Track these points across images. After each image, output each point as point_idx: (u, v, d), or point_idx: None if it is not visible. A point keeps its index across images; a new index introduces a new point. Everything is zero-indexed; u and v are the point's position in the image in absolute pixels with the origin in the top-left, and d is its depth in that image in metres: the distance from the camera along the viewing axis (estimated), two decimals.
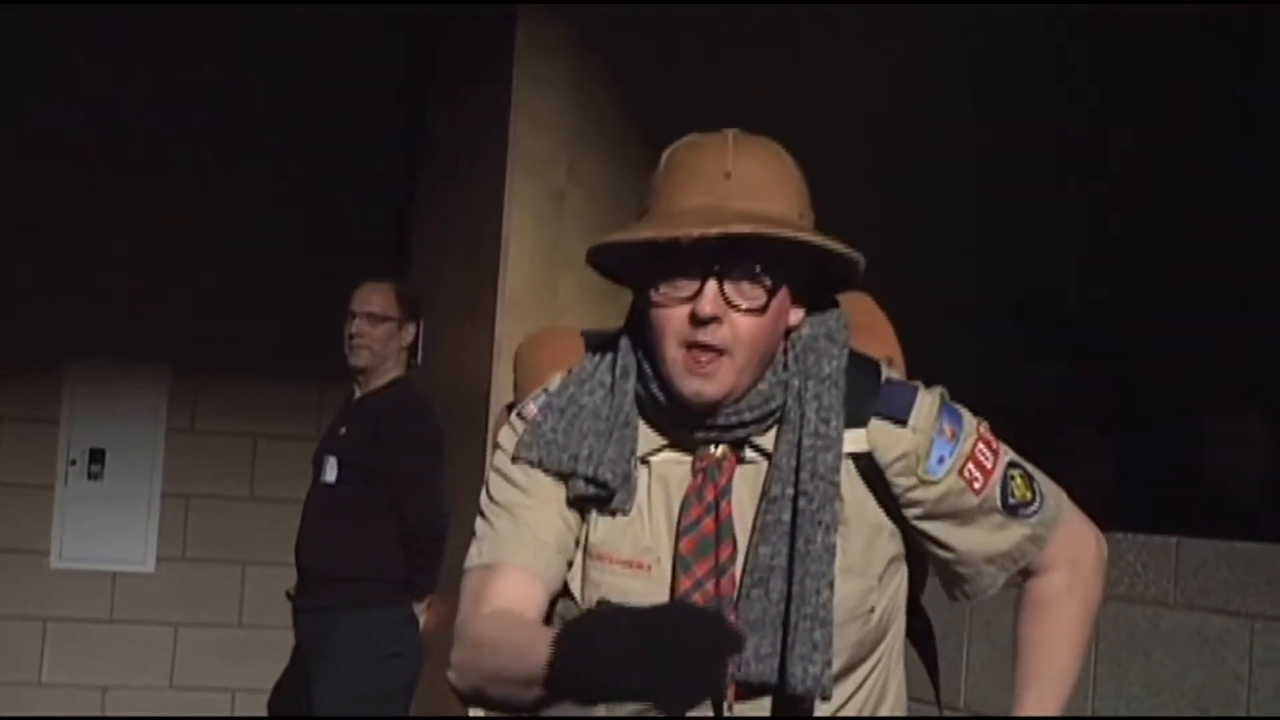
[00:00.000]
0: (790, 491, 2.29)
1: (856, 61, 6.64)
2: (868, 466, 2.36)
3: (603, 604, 2.32)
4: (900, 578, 2.44)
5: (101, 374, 7.76)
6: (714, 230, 2.21)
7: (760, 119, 2.56)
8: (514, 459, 2.38)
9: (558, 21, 6.62)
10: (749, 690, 2.30)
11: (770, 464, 2.33)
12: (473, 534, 2.40)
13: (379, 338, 5.78)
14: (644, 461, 2.37)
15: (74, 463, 7.79)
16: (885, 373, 2.42)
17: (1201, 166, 6.90)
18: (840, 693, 2.34)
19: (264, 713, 6.44)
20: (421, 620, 5.63)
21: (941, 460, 2.37)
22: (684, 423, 2.34)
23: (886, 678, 2.44)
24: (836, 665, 2.29)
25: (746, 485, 2.34)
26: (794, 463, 2.30)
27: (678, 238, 2.23)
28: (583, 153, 6.57)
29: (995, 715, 4.18)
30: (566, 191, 6.54)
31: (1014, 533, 2.42)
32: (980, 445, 2.41)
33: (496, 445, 2.46)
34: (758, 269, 2.27)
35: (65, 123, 7.53)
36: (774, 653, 2.27)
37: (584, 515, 2.35)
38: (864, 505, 2.35)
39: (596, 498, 2.32)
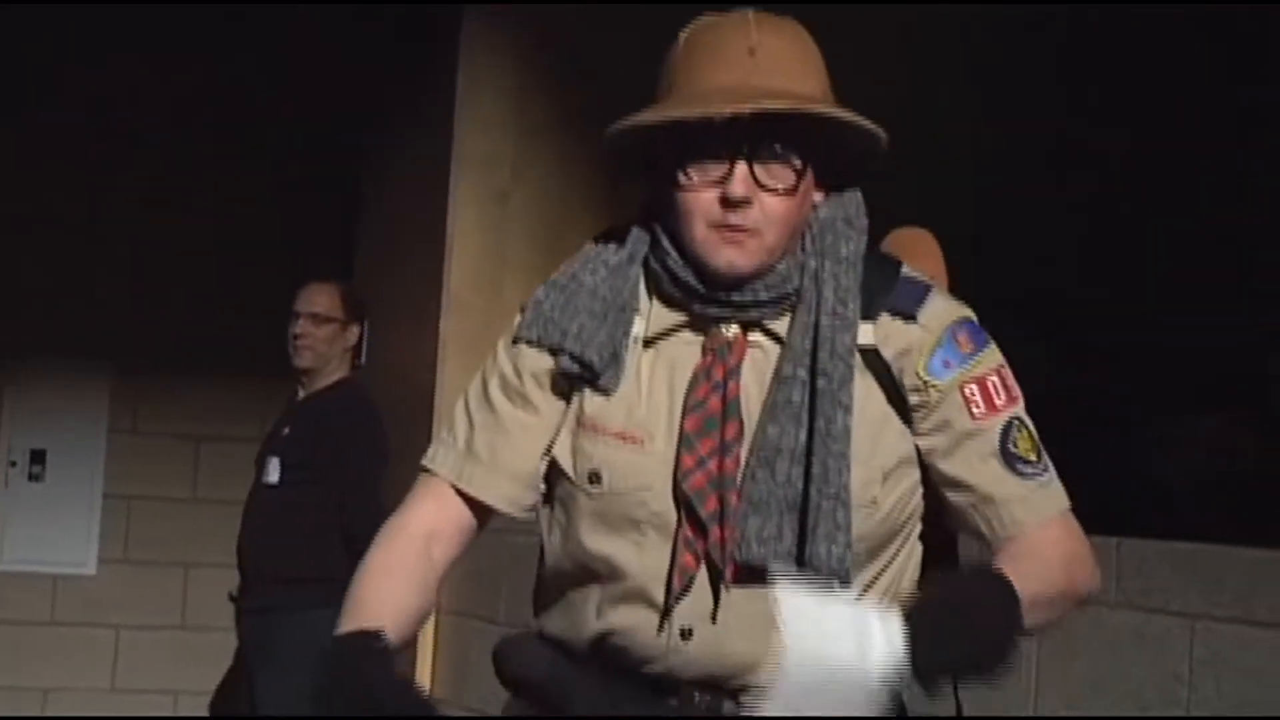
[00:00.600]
0: (803, 373, 2.25)
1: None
2: (874, 361, 2.29)
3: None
4: (912, 483, 2.33)
5: (43, 374, 7.70)
6: (747, 107, 2.17)
7: None
8: (515, 340, 2.37)
9: (503, 21, 6.62)
10: (748, 576, 2.23)
11: (784, 345, 2.28)
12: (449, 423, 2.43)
13: (323, 338, 5.77)
14: (650, 343, 2.33)
15: (14, 464, 7.73)
16: (906, 270, 2.36)
17: (1157, 173, 6.91)
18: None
19: (206, 715, 6.41)
20: None
21: (947, 365, 2.29)
22: (700, 298, 2.29)
23: (896, 591, 2.32)
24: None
25: (755, 370, 2.29)
26: (809, 344, 2.25)
27: (710, 116, 2.18)
28: (527, 153, 6.57)
29: (996, 715, 4.17)
30: (511, 191, 6.54)
31: (1008, 485, 2.29)
32: (995, 378, 2.31)
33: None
34: (786, 149, 2.23)
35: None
36: (778, 535, 2.22)
37: (576, 390, 2.32)
38: (869, 396, 2.28)
39: (581, 376, 2.29)
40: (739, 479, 2.24)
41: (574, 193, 6.36)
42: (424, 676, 5.93)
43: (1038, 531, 2.28)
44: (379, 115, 7.50)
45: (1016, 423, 2.30)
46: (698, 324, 2.32)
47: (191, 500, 7.76)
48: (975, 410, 2.28)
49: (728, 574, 2.23)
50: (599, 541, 2.30)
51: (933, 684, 2.05)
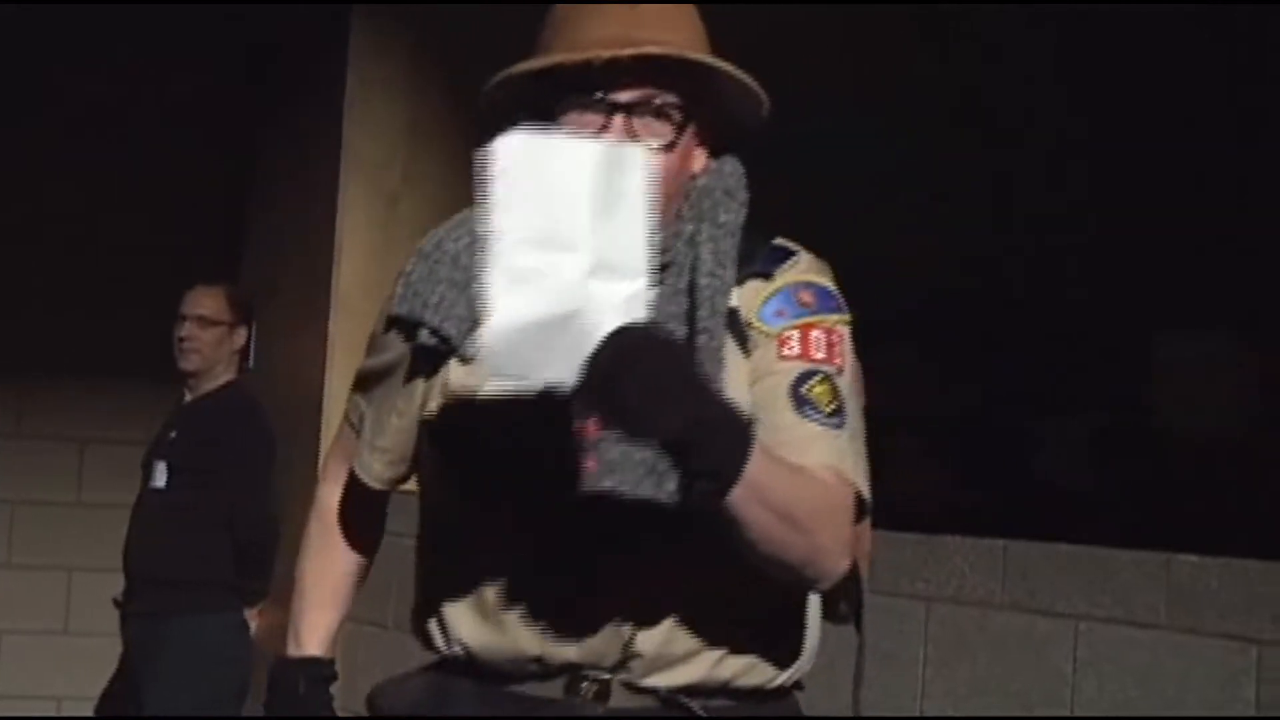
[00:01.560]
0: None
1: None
2: (734, 323, 2.20)
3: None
4: None
5: None
6: (626, 51, 2.10)
7: None
8: (387, 317, 2.36)
9: (392, 23, 6.59)
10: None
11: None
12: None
13: (209, 341, 5.73)
14: None
15: None
16: (779, 241, 2.30)
17: (1043, 171, 6.96)
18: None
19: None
20: (253, 626, 5.58)
21: (779, 314, 2.21)
22: None
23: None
24: None
25: None
26: (675, 308, 2.15)
27: (588, 60, 2.11)
28: (417, 155, 6.55)
29: (888, 716, 4.20)
30: (400, 194, 6.52)
31: (789, 423, 2.14)
32: (821, 333, 2.21)
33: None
34: (665, 103, 2.15)
35: None
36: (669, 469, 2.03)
37: (442, 361, 2.25)
38: (734, 361, 2.18)
39: (438, 350, 2.24)
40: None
41: (465, 196, 6.27)
42: None
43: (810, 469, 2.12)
44: (268, 117, 7.45)
45: (821, 375, 2.18)
46: None
47: (76, 504, 7.66)
48: (785, 350, 2.19)
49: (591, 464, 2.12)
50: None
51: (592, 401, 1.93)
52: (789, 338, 2.19)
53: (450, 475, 2.27)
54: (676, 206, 2.21)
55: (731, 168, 2.29)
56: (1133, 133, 6.35)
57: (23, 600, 7.60)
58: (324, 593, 2.49)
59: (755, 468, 1.96)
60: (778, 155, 2.57)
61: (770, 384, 2.18)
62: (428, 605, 2.30)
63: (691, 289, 2.18)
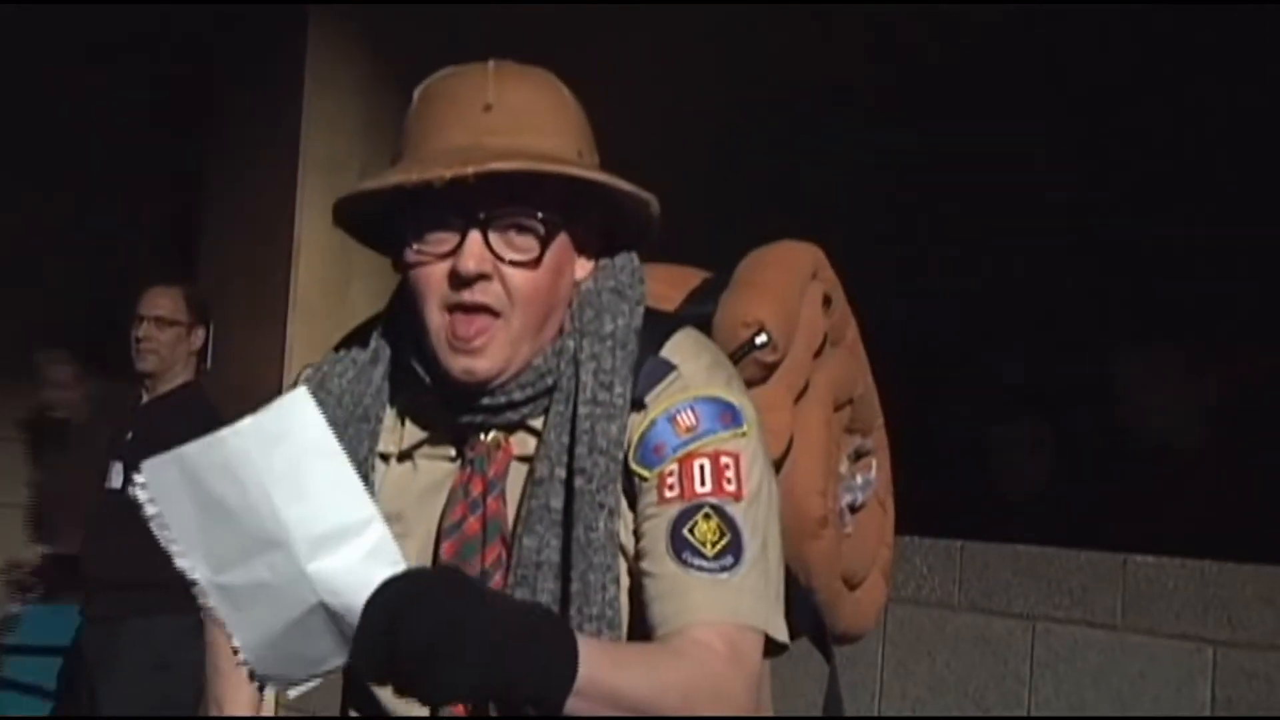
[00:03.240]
0: (561, 472, 1.94)
1: (655, 60, 6.69)
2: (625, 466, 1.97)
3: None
4: None
5: None
6: (469, 170, 1.86)
7: None
8: None
9: (349, 23, 6.59)
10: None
11: (540, 443, 1.97)
12: None
13: (166, 342, 5.71)
14: (405, 457, 2.04)
15: None
16: (669, 347, 2.01)
17: (987, 185, 7.00)
18: None
19: None
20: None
21: (657, 452, 1.94)
22: (449, 405, 1.99)
23: None
24: None
25: (520, 480, 2.00)
26: (566, 438, 1.94)
27: (429, 181, 1.87)
28: (375, 155, 6.54)
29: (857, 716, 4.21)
30: None
31: (668, 574, 1.89)
32: (707, 461, 1.94)
33: None
34: (528, 215, 1.93)
35: None
36: None
37: None
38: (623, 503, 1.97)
39: None
40: None
41: None
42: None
43: (692, 631, 1.87)
44: (225, 115, 7.42)
45: (708, 509, 1.91)
46: (456, 431, 2.02)
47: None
48: (667, 492, 1.92)
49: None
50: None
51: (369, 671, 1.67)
52: (668, 475, 1.93)
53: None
54: (560, 321, 2.00)
55: (624, 261, 2.06)
56: (1090, 145, 6.41)
57: None
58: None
59: (593, 674, 1.69)
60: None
61: (649, 529, 1.93)
62: None
63: (573, 419, 1.95)
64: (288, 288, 6.41)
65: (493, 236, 1.92)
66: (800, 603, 2.18)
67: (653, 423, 1.95)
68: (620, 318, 1.99)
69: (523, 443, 2.00)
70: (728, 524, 1.91)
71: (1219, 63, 5.99)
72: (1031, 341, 6.37)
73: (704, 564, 1.89)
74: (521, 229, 1.93)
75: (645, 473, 1.93)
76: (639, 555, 1.93)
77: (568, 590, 1.91)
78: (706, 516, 1.91)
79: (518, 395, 1.97)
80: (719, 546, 1.90)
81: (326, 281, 6.35)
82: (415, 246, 1.95)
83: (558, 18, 6.43)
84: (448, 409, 1.99)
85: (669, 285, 2.23)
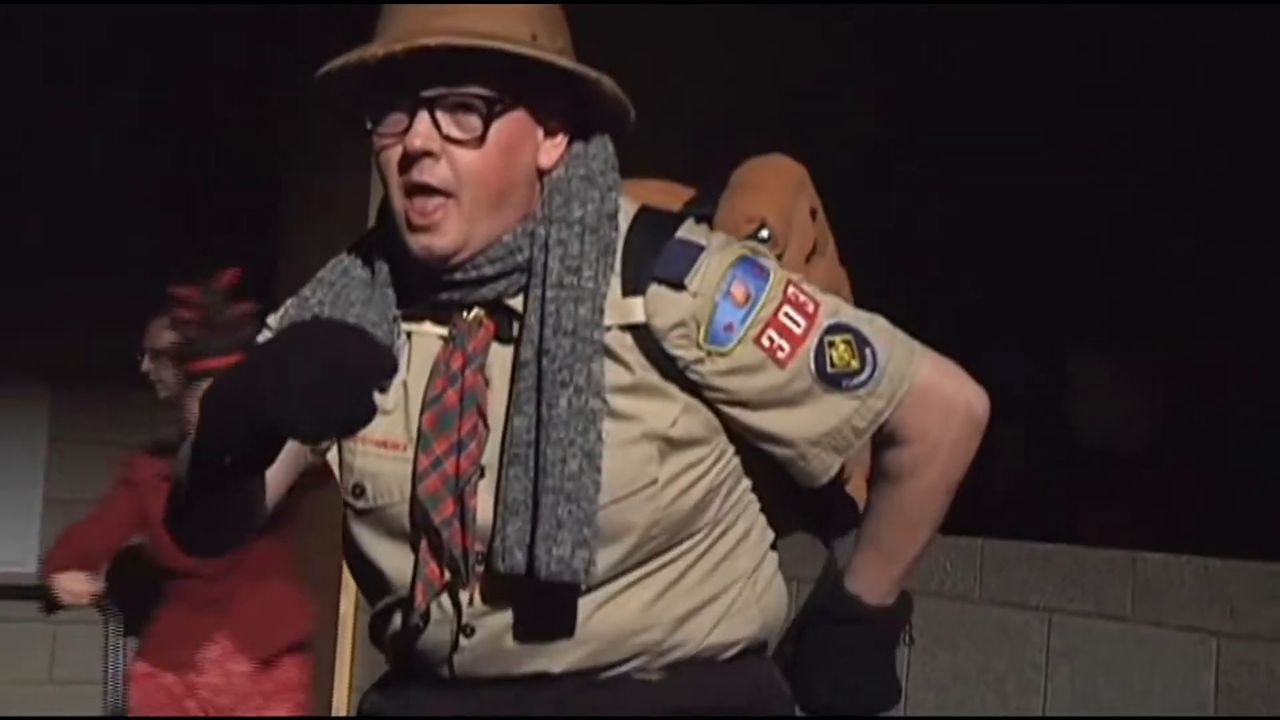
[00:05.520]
0: (532, 354, 1.98)
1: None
2: (645, 337, 2.00)
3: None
4: (705, 456, 2.05)
5: None
6: (398, 47, 1.90)
7: None
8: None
9: None
10: (507, 584, 1.97)
11: (522, 326, 2.01)
12: None
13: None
14: (406, 334, 2.08)
15: None
16: (684, 231, 2.05)
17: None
18: (625, 583, 2.02)
19: None
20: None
21: (729, 329, 1.98)
22: (430, 285, 2.03)
23: (712, 579, 2.08)
24: (620, 550, 1.99)
25: (504, 356, 2.04)
26: (537, 321, 1.98)
27: (364, 59, 1.93)
28: None
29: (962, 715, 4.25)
30: None
31: (840, 407, 2.02)
32: (786, 308, 2.01)
33: (264, 326, 2.17)
34: (470, 94, 1.95)
35: None
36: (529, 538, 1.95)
37: None
38: (642, 372, 2.01)
39: None
40: (474, 479, 2.00)
41: None
42: (344, 666, 6.05)
43: (898, 414, 2.04)
44: (299, 111, 7.32)
45: (828, 339, 2.02)
46: (443, 310, 2.07)
47: None
48: (780, 355, 2.00)
49: (474, 587, 2.01)
50: (374, 552, 2.08)
51: None
52: (772, 346, 2.00)
53: (349, 512, 2.12)
54: (525, 199, 2.03)
55: (596, 148, 2.07)
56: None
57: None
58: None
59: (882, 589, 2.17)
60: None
61: (795, 390, 2.02)
62: (376, 620, 2.18)
63: (542, 302, 1.98)
64: None
65: (440, 116, 1.95)
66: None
67: (716, 305, 1.99)
68: (590, 204, 2.01)
69: (509, 327, 2.04)
70: (843, 331, 2.03)
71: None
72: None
73: (864, 377, 2.02)
74: (467, 108, 1.95)
75: (726, 349, 1.99)
76: (766, 416, 2.02)
77: (537, 465, 1.95)
78: (830, 345, 2.01)
79: (488, 270, 2.00)
80: (859, 355, 2.02)
81: None
82: (377, 130, 1.99)
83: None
84: (430, 290, 2.04)
85: (665, 195, 2.26)
